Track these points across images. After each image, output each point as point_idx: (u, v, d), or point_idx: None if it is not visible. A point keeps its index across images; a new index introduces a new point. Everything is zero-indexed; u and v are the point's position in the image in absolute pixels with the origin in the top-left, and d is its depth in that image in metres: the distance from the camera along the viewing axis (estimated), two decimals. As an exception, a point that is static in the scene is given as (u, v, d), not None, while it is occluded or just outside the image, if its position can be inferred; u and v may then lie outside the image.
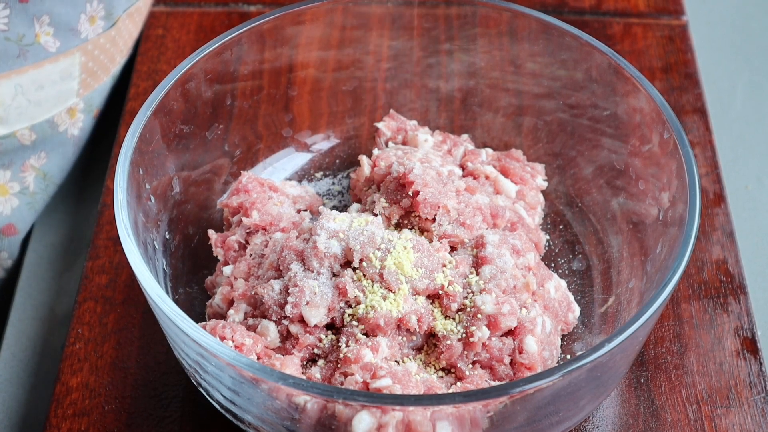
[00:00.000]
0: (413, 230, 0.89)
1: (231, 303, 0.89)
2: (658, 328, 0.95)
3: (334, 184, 1.03)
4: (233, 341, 0.83)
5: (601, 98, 0.96)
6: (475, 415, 0.76)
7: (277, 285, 0.86)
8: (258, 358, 0.83)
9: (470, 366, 0.85)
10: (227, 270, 0.90)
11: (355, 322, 0.84)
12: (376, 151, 0.97)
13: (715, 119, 1.13)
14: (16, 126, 1.03)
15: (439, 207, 0.88)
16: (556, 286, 0.90)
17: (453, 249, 0.89)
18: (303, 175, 1.03)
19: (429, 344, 0.86)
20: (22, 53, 1.00)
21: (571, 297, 0.92)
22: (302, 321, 0.84)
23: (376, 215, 0.89)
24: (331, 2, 0.98)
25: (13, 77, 1.00)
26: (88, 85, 1.08)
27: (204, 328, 0.84)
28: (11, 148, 1.04)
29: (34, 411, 0.96)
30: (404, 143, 1.00)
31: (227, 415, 0.83)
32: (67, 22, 1.02)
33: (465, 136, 1.02)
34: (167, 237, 0.92)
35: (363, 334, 0.84)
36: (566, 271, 0.96)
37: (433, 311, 0.85)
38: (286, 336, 0.85)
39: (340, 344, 0.84)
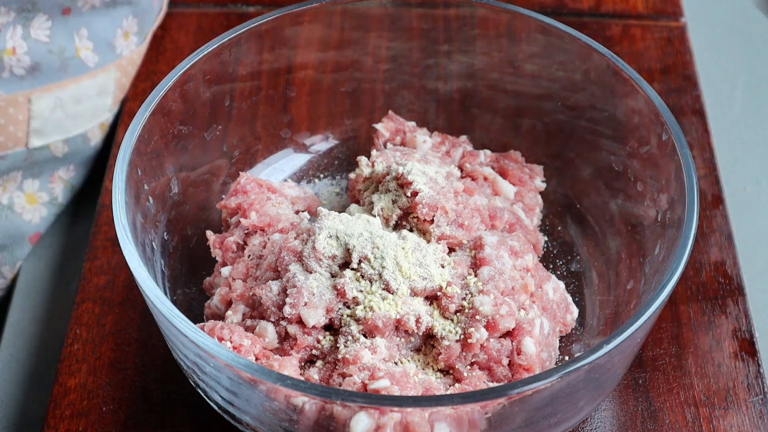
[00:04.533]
0: (412, 231, 0.89)
1: (229, 304, 0.89)
2: (656, 330, 0.95)
3: (332, 184, 1.03)
4: (231, 342, 0.83)
5: (600, 100, 0.96)
6: (474, 417, 0.76)
7: (275, 286, 0.86)
8: (256, 359, 0.83)
9: (468, 367, 0.85)
10: (225, 271, 0.90)
11: (353, 323, 0.84)
12: (374, 152, 0.97)
13: (714, 121, 1.13)
14: (51, 138, 1.05)
15: (437, 208, 0.88)
16: (555, 288, 0.90)
17: (451, 250, 0.89)
18: (301, 176, 1.03)
19: (427, 345, 0.86)
20: (63, 66, 1.02)
21: (570, 298, 0.92)
22: (300, 322, 0.84)
23: (374, 216, 0.89)
24: (330, 3, 0.98)
25: (54, 91, 1.02)
26: (119, 100, 1.10)
27: (202, 329, 0.84)
28: (42, 159, 1.06)
29: (33, 412, 0.96)
30: (403, 144, 1.00)
31: (225, 416, 0.83)
32: (104, 36, 1.04)
33: (463, 138, 1.02)
34: (166, 238, 0.92)
35: (361, 334, 0.84)
36: (564, 273, 0.96)
37: (431, 312, 0.85)
38: (285, 337, 0.85)
39: (338, 345, 0.84)
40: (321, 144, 1.05)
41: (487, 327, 0.84)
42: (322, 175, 1.03)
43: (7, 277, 1.07)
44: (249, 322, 0.86)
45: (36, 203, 1.07)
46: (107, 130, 1.11)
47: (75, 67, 1.03)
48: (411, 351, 0.86)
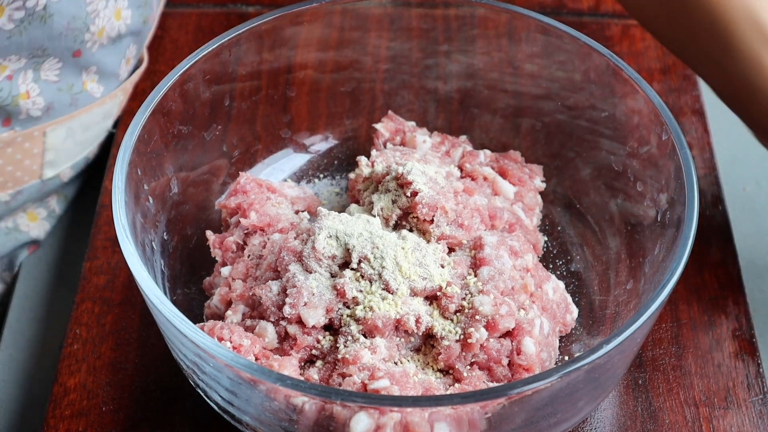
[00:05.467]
0: (412, 231, 0.89)
1: (229, 304, 0.89)
2: (656, 330, 0.95)
3: (332, 184, 1.03)
4: (231, 342, 0.83)
5: (600, 99, 0.96)
6: (473, 417, 0.76)
7: (275, 286, 0.86)
8: (256, 359, 0.83)
9: (468, 367, 0.85)
10: (225, 271, 0.90)
11: (353, 323, 0.84)
12: (374, 152, 0.97)
13: (713, 121, 1.13)
14: (62, 167, 1.06)
15: (437, 208, 0.88)
16: (555, 288, 0.90)
17: (451, 250, 0.89)
18: (301, 176, 1.03)
19: (427, 345, 0.86)
20: (73, 101, 1.03)
21: (570, 298, 0.92)
22: (300, 322, 0.84)
23: (374, 216, 0.89)
24: (330, 3, 0.98)
25: (66, 122, 1.03)
26: (116, 119, 1.11)
27: (202, 329, 0.84)
28: (53, 187, 1.07)
29: (32, 412, 0.96)
30: (402, 144, 1.00)
31: (225, 416, 0.83)
32: (111, 69, 1.05)
33: (463, 138, 1.02)
34: (165, 238, 0.92)
35: (361, 334, 0.84)
36: (564, 273, 0.96)
37: (431, 312, 0.85)
38: (284, 337, 0.85)
39: (338, 345, 0.84)
40: (321, 144, 1.05)
41: (486, 327, 0.84)
42: (321, 175, 1.03)
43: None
44: (249, 322, 0.86)
45: (37, 220, 1.08)
46: (101, 146, 1.12)
47: (84, 100, 1.04)
48: (411, 351, 0.86)
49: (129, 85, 1.09)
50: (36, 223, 1.08)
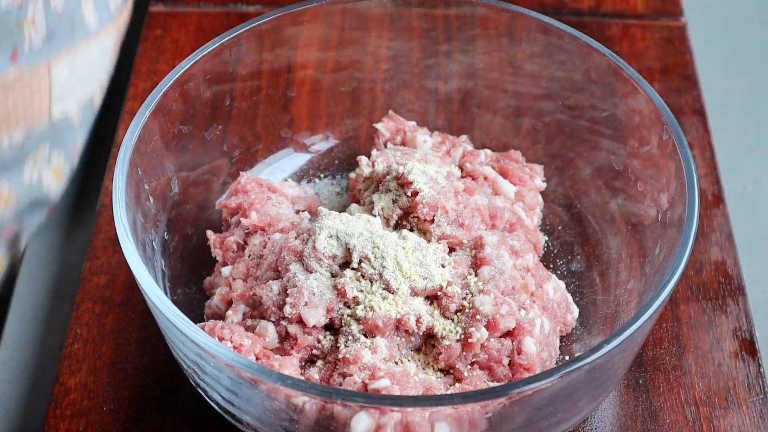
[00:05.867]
0: (412, 231, 0.89)
1: (229, 304, 0.89)
2: (656, 330, 0.95)
3: (332, 184, 1.03)
4: (232, 342, 0.83)
5: (600, 99, 0.96)
6: (474, 416, 0.76)
7: (275, 286, 0.86)
8: (256, 359, 0.83)
9: (469, 367, 0.85)
10: (226, 271, 0.90)
11: (353, 323, 0.84)
12: (374, 152, 0.97)
13: (714, 121, 1.13)
14: (68, 104, 1.04)
15: (437, 208, 0.88)
16: (555, 287, 0.90)
17: (452, 250, 0.89)
18: (302, 176, 1.03)
19: (428, 345, 0.86)
20: (72, 30, 1.02)
21: (570, 298, 0.92)
22: (301, 322, 0.84)
23: (375, 216, 0.89)
24: (330, 3, 0.98)
25: (68, 58, 1.02)
26: (113, 63, 1.11)
27: (202, 328, 0.84)
28: (64, 129, 1.05)
29: (33, 411, 0.96)
30: (403, 144, 1.00)
31: (226, 416, 0.83)
32: None
33: (464, 137, 1.02)
34: (166, 237, 0.92)
35: (362, 334, 0.84)
36: (565, 272, 0.96)
37: (432, 312, 0.85)
38: (285, 337, 0.85)
39: (338, 345, 0.84)
40: (321, 144, 1.05)
41: (487, 327, 0.84)
42: (322, 175, 1.03)
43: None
44: (249, 321, 0.86)
45: (60, 175, 1.07)
46: (105, 91, 1.11)
47: (82, 30, 1.03)
48: (411, 351, 0.86)
49: (121, 22, 1.08)
50: (58, 181, 1.06)
